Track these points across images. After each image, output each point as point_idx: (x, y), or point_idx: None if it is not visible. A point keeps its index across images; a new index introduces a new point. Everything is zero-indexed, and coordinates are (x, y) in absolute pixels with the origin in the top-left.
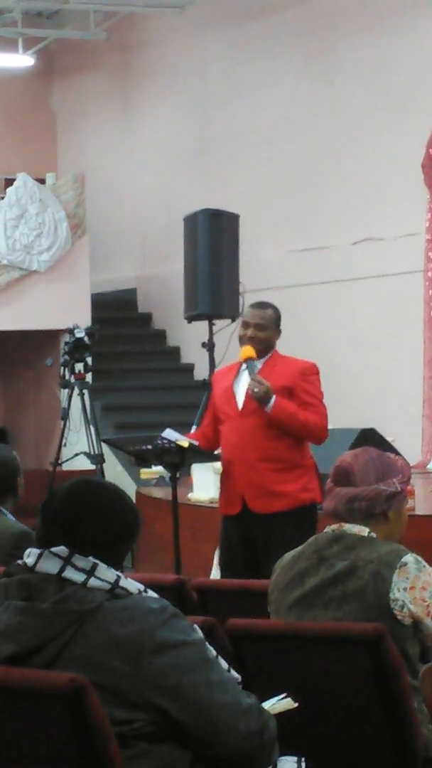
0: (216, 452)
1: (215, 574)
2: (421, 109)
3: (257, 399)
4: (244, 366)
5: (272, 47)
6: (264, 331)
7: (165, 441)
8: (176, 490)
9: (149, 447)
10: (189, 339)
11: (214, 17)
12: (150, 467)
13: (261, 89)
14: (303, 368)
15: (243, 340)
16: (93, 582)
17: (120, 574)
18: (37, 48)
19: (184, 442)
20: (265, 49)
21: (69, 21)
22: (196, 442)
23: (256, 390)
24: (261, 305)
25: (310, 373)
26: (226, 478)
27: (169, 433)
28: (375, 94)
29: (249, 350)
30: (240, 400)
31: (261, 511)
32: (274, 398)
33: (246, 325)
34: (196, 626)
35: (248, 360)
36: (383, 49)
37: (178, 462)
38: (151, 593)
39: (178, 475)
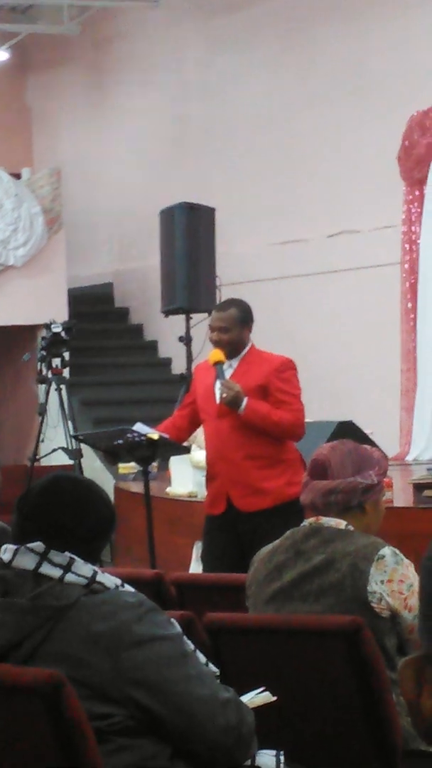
0: (186, 444)
1: (194, 568)
2: (397, 101)
3: (227, 405)
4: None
5: (248, 40)
6: (227, 333)
7: (135, 435)
8: (148, 484)
9: (120, 442)
10: (166, 333)
11: (190, 10)
12: (124, 462)
13: (237, 82)
14: (278, 365)
15: (212, 343)
16: (70, 577)
17: (97, 569)
18: (11, 43)
19: (155, 434)
20: (240, 41)
21: (43, 15)
22: (166, 435)
23: (224, 396)
24: (223, 306)
25: (285, 369)
26: (211, 478)
27: (140, 427)
28: (351, 87)
29: (217, 354)
30: (217, 401)
31: (247, 510)
32: (245, 401)
33: (210, 329)
34: (173, 620)
35: (216, 364)
36: (360, 41)
37: (150, 456)
38: (129, 588)
39: (150, 470)
